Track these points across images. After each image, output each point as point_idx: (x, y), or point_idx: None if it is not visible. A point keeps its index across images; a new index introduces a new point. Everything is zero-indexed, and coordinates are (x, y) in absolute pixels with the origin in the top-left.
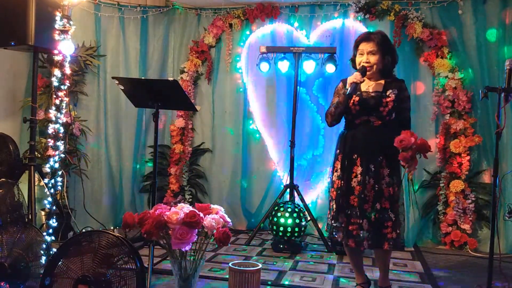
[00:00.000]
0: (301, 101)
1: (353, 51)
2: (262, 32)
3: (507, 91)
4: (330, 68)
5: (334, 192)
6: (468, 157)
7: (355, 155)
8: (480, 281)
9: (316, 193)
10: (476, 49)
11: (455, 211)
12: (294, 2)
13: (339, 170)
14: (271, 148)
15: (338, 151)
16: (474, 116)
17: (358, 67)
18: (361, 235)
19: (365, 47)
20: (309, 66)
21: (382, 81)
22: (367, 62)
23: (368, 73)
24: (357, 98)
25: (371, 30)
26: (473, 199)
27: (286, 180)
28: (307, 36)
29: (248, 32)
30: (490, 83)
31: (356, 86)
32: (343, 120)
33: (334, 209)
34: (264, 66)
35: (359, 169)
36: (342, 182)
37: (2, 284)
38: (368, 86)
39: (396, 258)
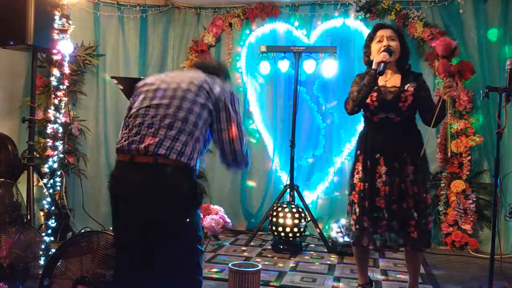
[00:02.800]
0: (301, 100)
1: (367, 44)
2: (262, 31)
3: (508, 91)
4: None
5: (356, 195)
6: (469, 157)
7: (378, 155)
8: (481, 282)
9: (316, 193)
10: (477, 48)
11: (456, 212)
12: (294, 1)
13: (360, 172)
14: (271, 148)
15: (358, 152)
16: (475, 116)
17: (376, 55)
18: (391, 237)
19: (384, 33)
20: (309, 65)
21: (399, 75)
22: (389, 46)
23: (390, 57)
24: (375, 94)
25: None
26: (474, 199)
27: (286, 180)
28: (308, 36)
29: (248, 32)
30: (491, 83)
31: (385, 65)
32: (359, 116)
33: (358, 213)
34: (264, 66)
35: (383, 169)
36: (366, 184)
37: (1, 284)
38: (385, 80)
39: (397, 258)
